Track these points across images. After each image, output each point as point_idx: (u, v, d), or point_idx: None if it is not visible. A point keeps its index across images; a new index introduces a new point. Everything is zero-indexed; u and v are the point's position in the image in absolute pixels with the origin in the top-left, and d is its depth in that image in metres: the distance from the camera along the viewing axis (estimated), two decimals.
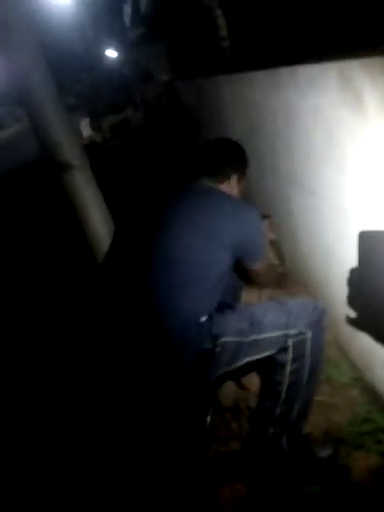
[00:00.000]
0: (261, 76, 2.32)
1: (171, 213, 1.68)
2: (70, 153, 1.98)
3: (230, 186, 1.83)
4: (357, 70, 1.36)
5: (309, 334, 1.57)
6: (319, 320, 1.61)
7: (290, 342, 1.56)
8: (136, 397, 1.82)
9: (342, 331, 1.96)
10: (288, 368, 1.58)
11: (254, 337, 1.55)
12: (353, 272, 1.59)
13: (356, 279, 1.53)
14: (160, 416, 1.80)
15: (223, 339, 1.52)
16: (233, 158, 1.87)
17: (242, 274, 1.81)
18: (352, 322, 1.64)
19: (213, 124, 3.97)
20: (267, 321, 1.57)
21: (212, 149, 1.90)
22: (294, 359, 1.58)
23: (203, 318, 1.54)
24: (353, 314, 1.64)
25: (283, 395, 1.60)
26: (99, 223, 2.07)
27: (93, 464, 1.84)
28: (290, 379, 1.59)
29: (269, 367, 1.63)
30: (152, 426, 1.83)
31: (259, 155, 2.70)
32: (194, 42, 8.37)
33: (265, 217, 2.13)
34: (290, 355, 1.57)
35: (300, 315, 1.59)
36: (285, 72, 1.97)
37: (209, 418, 1.90)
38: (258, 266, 1.73)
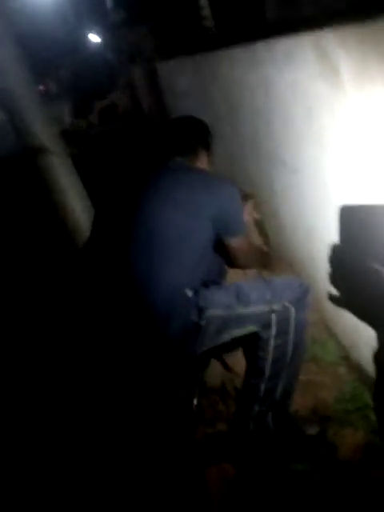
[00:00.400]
0: (238, 52, 2.27)
1: (150, 190, 1.67)
2: (46, 137, 1.93)
3: (202, 162, 1.85)
4: (331, 41, 1.32)
5: (292, 310, 1.58)
6: (303, 297, 1.62)
7: (274, 318, 1.57)
8: (123, 376, 1.81)
9: (327, 310, 1.95)
10: (271, 343, 1.59)
11: (240, 310, 1.55)
12: (334, 249, 1.58)
13: (337, 256, 1.52)
14: (147, 395, 1.80)
15: (209, 312, 1.52)
16: (200, 134, 1.89)
17: (225, 255, 1.80)
18: (335, 300, 1.64)
19: (196, 104, 3.92)
20: (252, 296, 1.58)
21: (179, 128, 1.91)
22: (278, 334, 1.59)
23: (189, 292, 1.53)
24: (336, 292, 1.63)
25: (267, 371, 1.61)
26: (78, 209, 2.03)
27: (74, 442, 1.83)
28: (273, 355, 1.60)
29: (253, 344, 1.64)
30: (139, 406, 1.83)
31: (241, 134, 2.67)
32: (176, 23, 8.25)
33: (248, 196, 2.11)
34: (273, 331, 1.58)
35: (284, 291, 1.60)
36: (261, 47, 1.93)
37: (196, 400, 1.90)
38: (237, 242, 1.72)
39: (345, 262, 1.44)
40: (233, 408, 1.86)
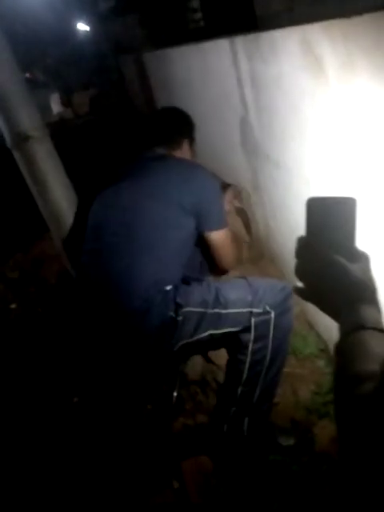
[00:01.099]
0: (226, 44, 2.25)
1: (128, 180, 1.66)
2: (29, 123, 1.91)
3: (183, 152, 1.85)
4: (317, 34, 1.31)
5: (272, 314, 1.56)
6: (284, 301, 1.59)
7: (253, 321, 1.55)
8: (102, 368, 1.80)
9: (308, 304, 1.96)
10: (250, 347, 1.57)
11: (217, 310, 1.53)
12: (308, 242, 1.57)
13: (311, 250, 1.52)
14: (127, 386, 1.79)
15: (187, 309, 1.51)
16: (182, 124, 1.90)
17: (207, 250, 1.77)
18: (306, 296, 1.63)
19: (183, 96, 3.89)
20: (232, 296, 1.56)
21: (161, 118, 1.94)
22: (256, 339, 1.57)
23: (168, 287, 1.52)
24: (306, 287, 1.63)
25: (245, 375, 1.59)
26: (61, 197, 2.01)
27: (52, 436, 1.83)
28: (251, 359, 1.57)
29: (234, 346, 1.63)
30: (119, 397, 1.82)
31: (228, 127, 2.66)
32: (165, 13, 8.19)
33: (228, 185, 2.10)
34: (252, 334, 1.56)
35: (266, 294, 1.57)
36: (249, 39, 1.92)
37: (175, 392, 1.90)
38: (217, 236, 1.69)
39: (317, 256, 1.45)
40: (213, 400, 1.87)
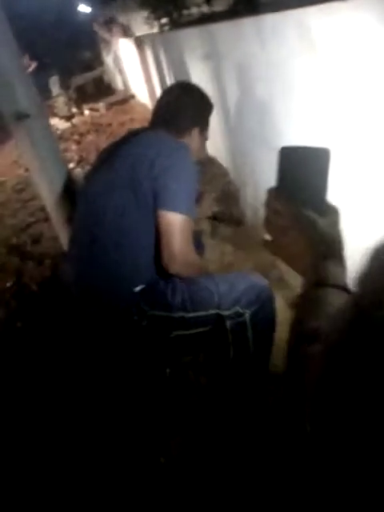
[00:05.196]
0: (226, 28, 2.25)
1: (104, 168, 1.54)
2: (28, 101, 1.91)
3: (192, 140, 1.63)
4: (313, 17, 1.33)
5: (247, 315, 1.49)
6: (258, 298, 1.50)
7: (228, 325, 1.49)
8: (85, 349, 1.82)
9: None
10: (231, 352, 1.52)
11: (181, 314, 1.46)
12: (283, 195, 1.58)
13: (285, 203, 1.53)
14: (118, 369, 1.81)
15: (151, 313, 1.46)
16: (194, 107, 1.64)
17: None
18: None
19: (181, 78, 3.88)
20: (198, 299, 1.47)
21: (170, 98, 1.65)
22: (235, 342, 1.52)
23: (137, 288, 1.46)
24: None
25: (231, 369, 1.56)
26: (56, 176, 2.02)
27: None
28: (234, 356, 1.53)
29: (214, 348, 1.59)
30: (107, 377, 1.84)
31: (225, 112, 2.67)
32: None
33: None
34: (229, 339, 1.51)
35: (234, 294, 1.48)
36: (248, 22, 1.92)
37: (168, 370, 1.91)
38: (172, 217, 1.42)
39: (286, 209, 1.48)
40: (204, 380, 1.90)
